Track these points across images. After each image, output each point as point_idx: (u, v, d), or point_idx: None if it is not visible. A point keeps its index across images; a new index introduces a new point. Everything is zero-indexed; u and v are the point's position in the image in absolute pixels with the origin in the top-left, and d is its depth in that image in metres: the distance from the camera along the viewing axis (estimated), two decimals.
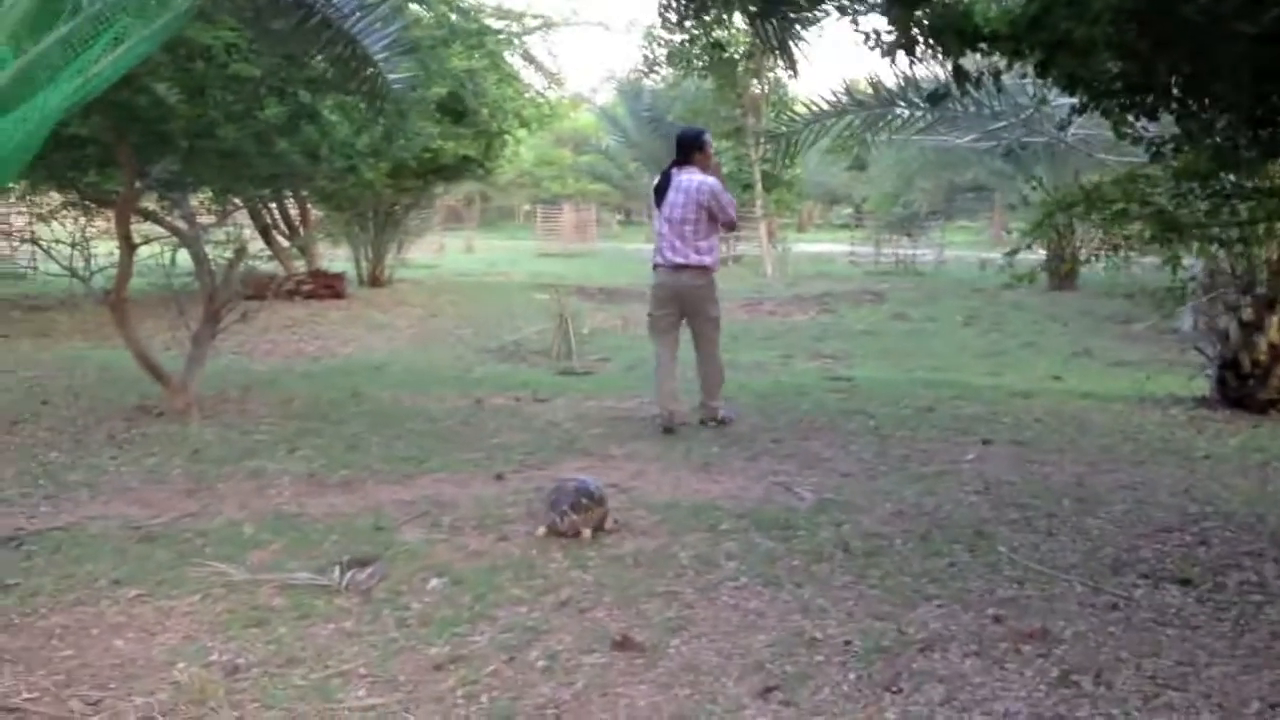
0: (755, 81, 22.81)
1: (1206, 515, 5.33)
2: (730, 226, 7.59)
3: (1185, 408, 8.35)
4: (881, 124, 9.56)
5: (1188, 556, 4.67)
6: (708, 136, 7.58)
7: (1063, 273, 21.96)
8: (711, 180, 7.30)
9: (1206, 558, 4.67)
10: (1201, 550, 4.77)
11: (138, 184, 7.65)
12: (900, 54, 4.28)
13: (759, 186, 24.13)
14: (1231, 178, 3.65)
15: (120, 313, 7.38)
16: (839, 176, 43.65)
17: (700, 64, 21.79)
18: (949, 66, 4.36)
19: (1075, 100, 4.24)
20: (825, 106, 9.47)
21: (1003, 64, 4.09)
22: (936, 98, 5.11)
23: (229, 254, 8.11)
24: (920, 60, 4.16)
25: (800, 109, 9.43)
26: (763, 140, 23.14)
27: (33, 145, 3.44)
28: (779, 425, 7.49)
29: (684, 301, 7.36)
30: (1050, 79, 4.01)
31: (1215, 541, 4.89)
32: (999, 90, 5.98)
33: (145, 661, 3.54)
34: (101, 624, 3.85)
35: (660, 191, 7.36)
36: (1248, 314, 8.14)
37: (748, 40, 21.05)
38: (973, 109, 8.49)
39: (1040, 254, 25.63)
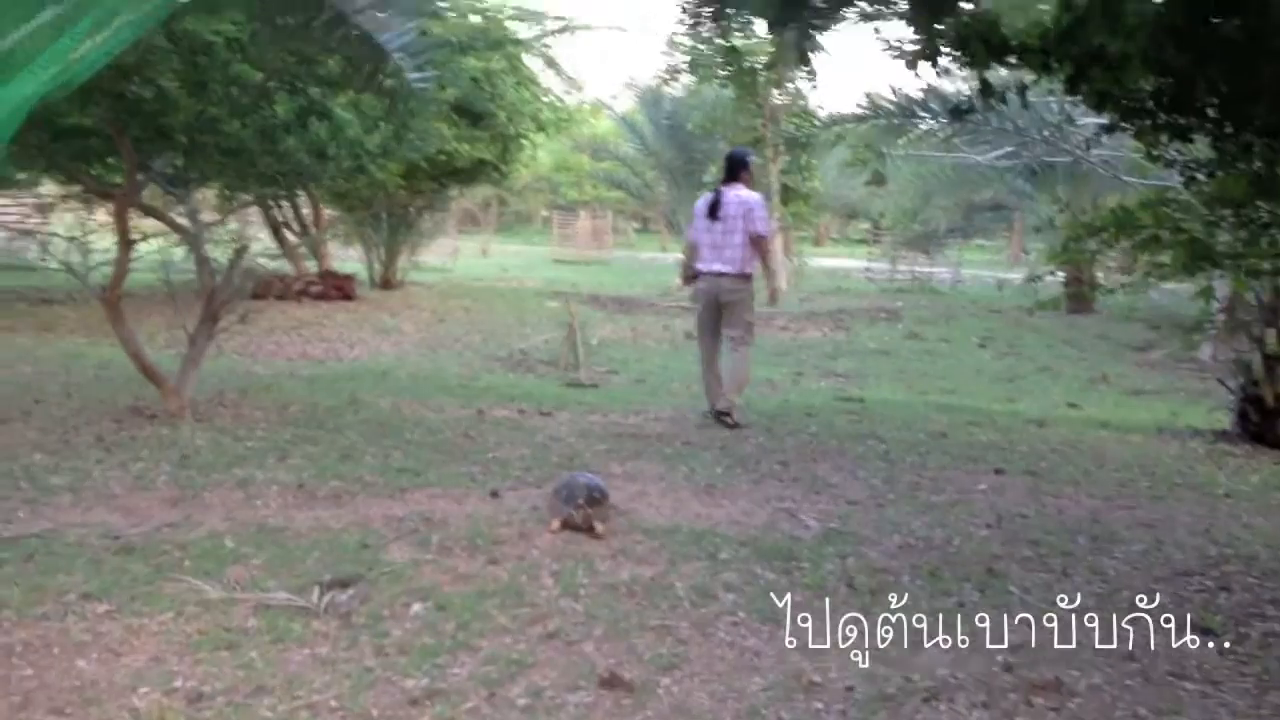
0: (776, 91, 22.57)
1: (1227, 558, 5.11)
2: (758, 239, 8.06)
3: (1205, 441, 8.12)
4: (901, 135, 9.37)
5: (1208, 603, 4.46)
6: (752, 156, 8.52)
7: (1081, 297, 21.73)
8: (759, 196, 8.23)
9: (1228, 605, 4.45)
10: (1223, 597, 4.55)
11: (139, 178, 7.49)
12: (924, 64, 4.10)
13: (776, 199, 23.86)
14: (1269, 206, 3.44)
15: (115, 310, 7.20)
16: (857, 191, 43.33)
17: (721, 72, 21.58)
18: (973, 79, 4.18)
19: (1103, 119, 4.05)
20: (844, 113, 9.26)
21: (1029, 78, 3.90)
22: (960, 111, 4.92)
23: (231, 252, 7.95)
24: (945, 71, 3.97)
25: (821, 114, 9.23)
26: (781, 150, 22.94)
27: (4, 134, 3.25)
28: (786, 447, 7.28)
29: (723, 306, 8.11)
30: (1080, 95, 3.81)
31: (1237, 588, 4.67)
32: (1025, 106, 5.80)
33: (107, 685, 3.36)
34: (66, 642, 3.66)
35: (714, 206, 8.08)
36: (1272, 347, 7.90)
37: (768, 50, 20.85)
38: (995, 125, 8.28)
39: (1059, 277, 25.49)
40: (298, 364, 11.06)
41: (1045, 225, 26.33)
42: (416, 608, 4.06)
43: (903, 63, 4.26)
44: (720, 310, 8.14)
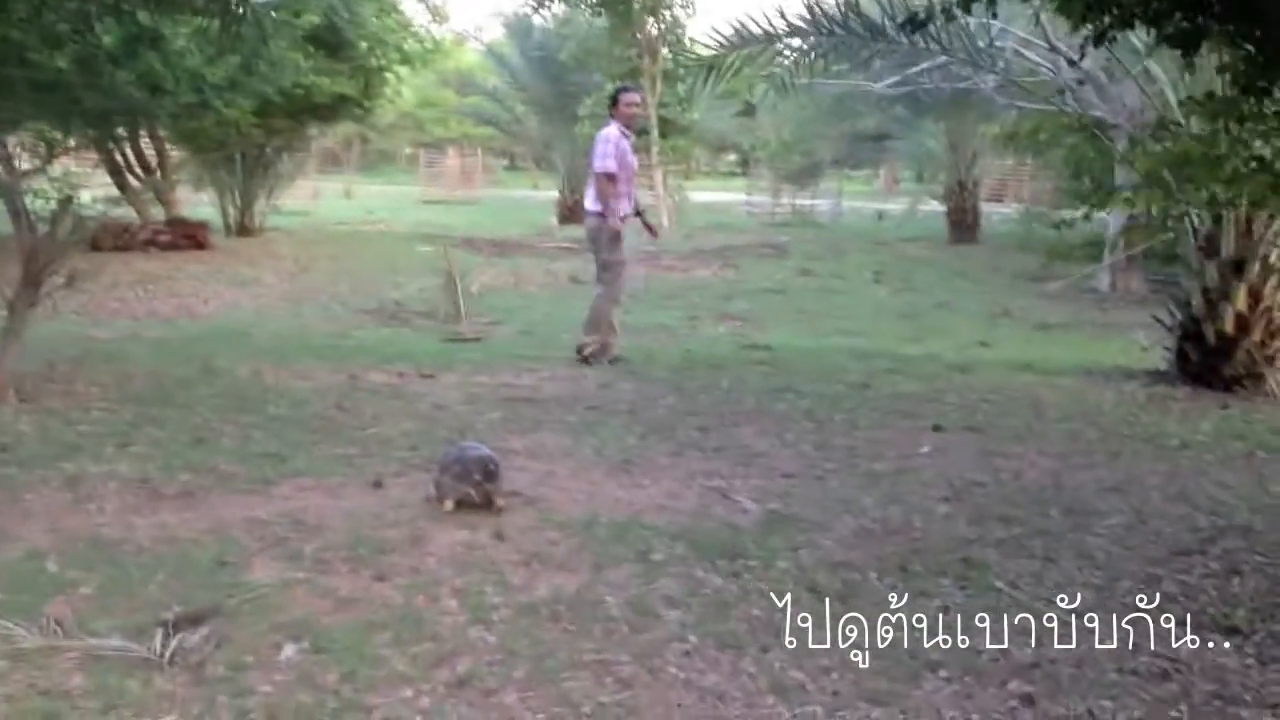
0: (651, 20, 21.60)
1: (1220, 530, 4.53)
2: (596, 176, 7.90)
3: (1141, 384, 7.62)
4: (797, 60, 8.46)
5: (1223, 593, 3.86)
6: (623, 93, 8.31)
7: (965, 226, 21.56)
8: (605, 131, 7.99)
9: (1245, 593, 3.85)
10: (1235, 583, 3.96)
11: None
12: None
13: (655, 133, 22.90)
14: None
15: None
16: (726, 122, 42.57)
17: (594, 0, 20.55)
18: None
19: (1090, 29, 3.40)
20: (759, 30, 8.09)
21: None
22: (917, 24, 4.20)
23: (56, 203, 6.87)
24: None
25: (727, 32, 8.12)
26: (658, 82, 22.08)
27: None
28: (700, 408, 6.56)
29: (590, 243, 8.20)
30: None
31: (1245, 569, 4.09)
32: (994, 16, 5.15)
33: None
34: None
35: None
36: (1212, 279, 7.37)
37: None
38: (905, 47, 7.47)
39: (932, 206, 25.17)
40: (144, 324, 9.94)
41: (924, 155, 26.11)
42: (288, 651, 3.23)
43: None
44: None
